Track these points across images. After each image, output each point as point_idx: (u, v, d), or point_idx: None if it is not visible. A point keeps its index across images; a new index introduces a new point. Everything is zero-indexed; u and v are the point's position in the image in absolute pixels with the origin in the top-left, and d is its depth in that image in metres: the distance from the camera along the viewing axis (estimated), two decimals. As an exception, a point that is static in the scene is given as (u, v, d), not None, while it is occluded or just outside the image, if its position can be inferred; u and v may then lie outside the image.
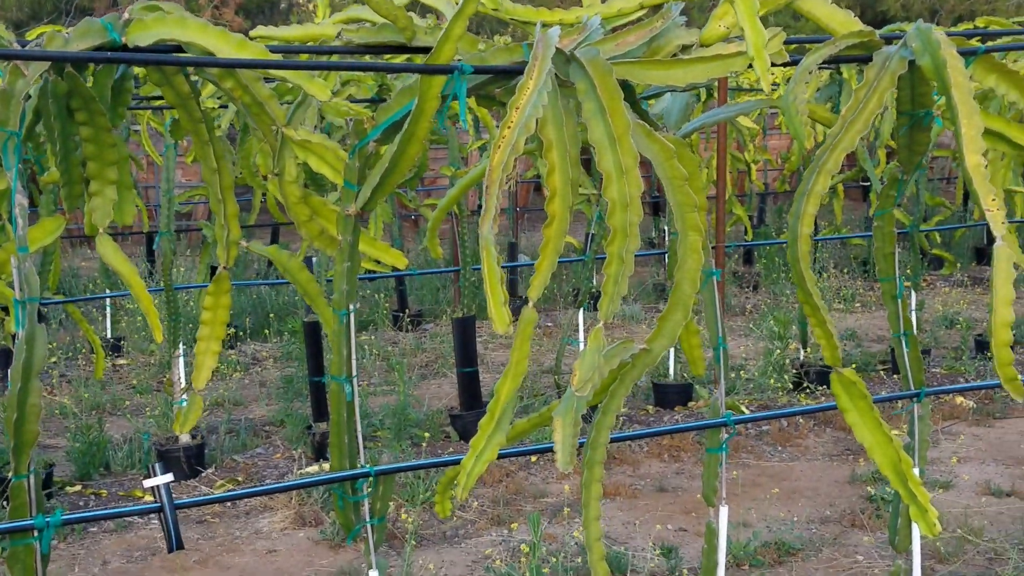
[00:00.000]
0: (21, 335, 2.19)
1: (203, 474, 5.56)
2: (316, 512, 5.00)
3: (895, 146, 2.61)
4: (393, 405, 6.22)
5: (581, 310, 6.45)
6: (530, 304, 2.11)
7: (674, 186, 2.20)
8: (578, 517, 4.73)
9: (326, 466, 5.42)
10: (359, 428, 2.67)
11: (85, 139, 2.44)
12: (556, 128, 2.13)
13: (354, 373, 2.66)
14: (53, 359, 7.88)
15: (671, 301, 2.34)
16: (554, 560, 4.18)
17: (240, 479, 5.55)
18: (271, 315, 8.88)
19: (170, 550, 2.40)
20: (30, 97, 2.36)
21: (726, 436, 2.84)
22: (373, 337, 8.45)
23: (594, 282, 8.08)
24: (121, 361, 8.01)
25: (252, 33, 2.77)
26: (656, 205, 10.92)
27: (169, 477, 2.41)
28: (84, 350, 8.15)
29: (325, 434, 5.68)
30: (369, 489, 2.68)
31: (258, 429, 6.35)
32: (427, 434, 5.92)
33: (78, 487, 5.41)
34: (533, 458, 5.65)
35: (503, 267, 9.16)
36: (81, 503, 5.21)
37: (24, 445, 2.21)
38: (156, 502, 2.40)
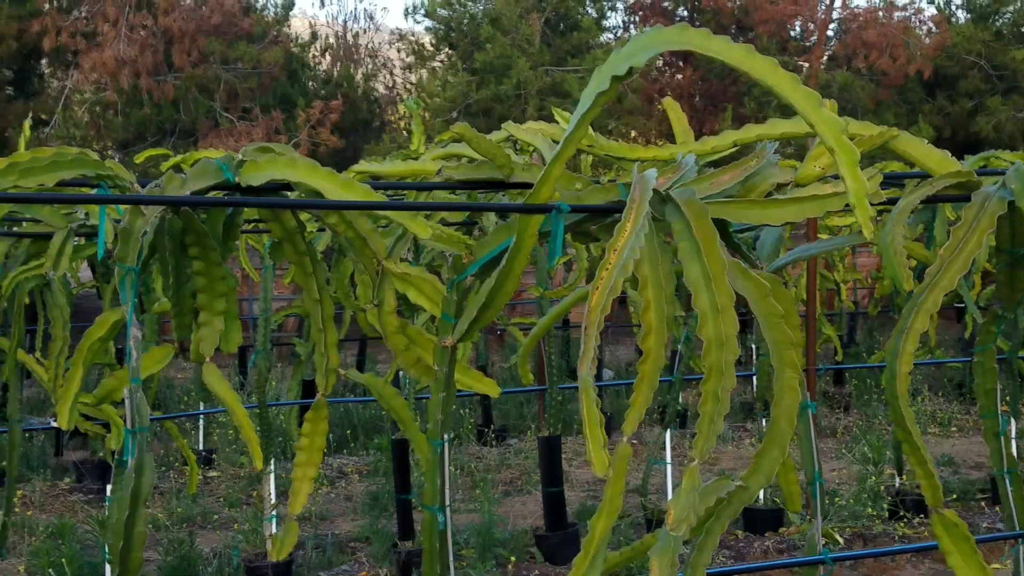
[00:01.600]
0: (131, 464, 2.26)
1: (292, 592, 5.57)
2: (401, 634, 4.97)
3: (991, 268, 2.59)
4: (478, 524, 6.19)
5: (668, 430, 6.39)
6: (624, 440, 2.12)
7: (770, 323, 2.21)
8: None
9: (411, 586, 5.40)
10: (451, 557, 2.68)
11: (196, 272, 2.54)
12: (652, 266, 2.17)
13: (447, 502, 2.67)
14: (153, 476, 8.03)
15: (768, 438, 2.33)
16: None
17: (324, 598, 5.55)
18: (358, 429, 8.96)
19: None
20: (146, 233, 2.48)
21: (823, 572, 2.78)
22: (457, 452, 8.45)
23: (681, 401, 8.01)
24: (212, 473, 8.12)
25: (355, 168, 2.89)
26: (744, 323, 10.85)
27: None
28: (177, 462, 8.29)
29: (411, 552, 5.68)
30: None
31: (344, 545, 6.36)
32: (513, 557, 5.87)
33: (168, 602, 5.46)
34: (621, 585, 5.55)
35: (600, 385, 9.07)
36: (170, 619, 5.25)
37: (129, 572, 2.26)
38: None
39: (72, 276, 6.92)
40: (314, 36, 23.01)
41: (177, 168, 4.10)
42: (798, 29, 20.37)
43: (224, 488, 7.67)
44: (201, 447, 8.41)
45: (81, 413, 4.65)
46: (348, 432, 8.96)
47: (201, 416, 8.54)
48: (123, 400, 4.50)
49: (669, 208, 2.18)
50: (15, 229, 4.34)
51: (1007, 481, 2.74)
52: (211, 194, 2.42)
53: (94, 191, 2.33)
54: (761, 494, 6.52)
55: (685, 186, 2.23)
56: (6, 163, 1.96)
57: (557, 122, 3.00)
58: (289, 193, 2.53)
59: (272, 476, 5.79)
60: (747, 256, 2.45)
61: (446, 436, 2.65)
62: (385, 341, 2.78)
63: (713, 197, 2.28)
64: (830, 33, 20.51)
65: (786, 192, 2.30)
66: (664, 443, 6.45)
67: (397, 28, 24.39)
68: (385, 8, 75.57)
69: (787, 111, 2.01)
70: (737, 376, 7.23)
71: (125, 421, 2.31)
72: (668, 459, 6.28)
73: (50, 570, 4.88)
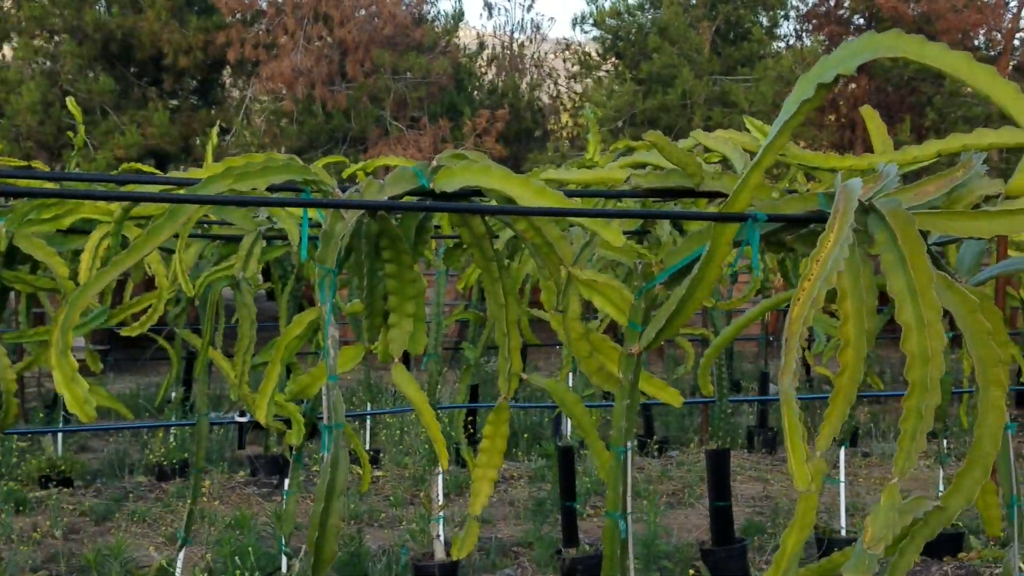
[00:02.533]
0: (327, 458, 2.33)
1: (457, 592, 5.65)
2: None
3: None
4: (642, 534, 6.15)
5: (842, 447, 6.22)
6: (819, 454, 2.07)
7: (977, 340, 2.12)
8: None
9: (577, 594, 5.41)
10: (632, 567, 2.67)
11: (389, 275, 2.61)
12: (852, 278, 2.12)
13: (629, 510, 2.67)
14: (315, 468, 8.28)
15: (970, 458, 2.24)
16: None
17: (491, 600, 5.60)
18: (520, 435, 9.03)
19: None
20: (344, 237, 2.56)
21: (1021, 603, 2.65)
22: (620, 462, 8.43)
23: (855, 419, 7.80)
24: (378, 473, 8.32)
25: (542, 176, 2.91)
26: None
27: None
28: (345, 460, 8.51)
29: (575, 560, 5.68)
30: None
31: (507, 549, 6.42)
32: (677, 568, 5.81)
33: (339, 596, 5.61)
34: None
35: (755, 400, 8.90)
36: (342, 612, 5.39)
37: (323, 563, 2.33)
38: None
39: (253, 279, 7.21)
40: (481, 46, 23.35)
41: (374, 175, 4.22)
42: (982, 38, 19.57)
43: (390, 488, 7.84)
44: (368, 447, 8.62)
45: (264, 409, 4.82)
46: (511, 438, 9.04)
47: (368, 416, 8.76)
48: (302, 398, 4.63)
49: (872, 218, 2.12)
50: (208, 231, 4.54)
51: None
52: (405, 199, 2.48)
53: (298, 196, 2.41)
54: (938, 518, 6.28)
55: (889, 196, 2.17)
56: (223, 167, 2.05)
57: (748, 131, 2.96)
58: (479, 199, 2.57)
59: (440, 478, 5.88)
60: (947, 270, 2.36)
61: (629, 444, 2.65)
62: (569, 348, 2.79)
63: (918, 208, 2.21)
64: (1016, 42, 19.63)
65: (996, 204, 2.21)
66: (838, 461, 6.28)
67: (563, 38, 24.55)
68: (552, 18, 76.09)
69: (973, 122, 1.94)
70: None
71: (322, 417, 2.38)
72: (842, 477, 6.11)
73: (235, 558, 5.07)
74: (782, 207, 2.26)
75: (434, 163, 2.45)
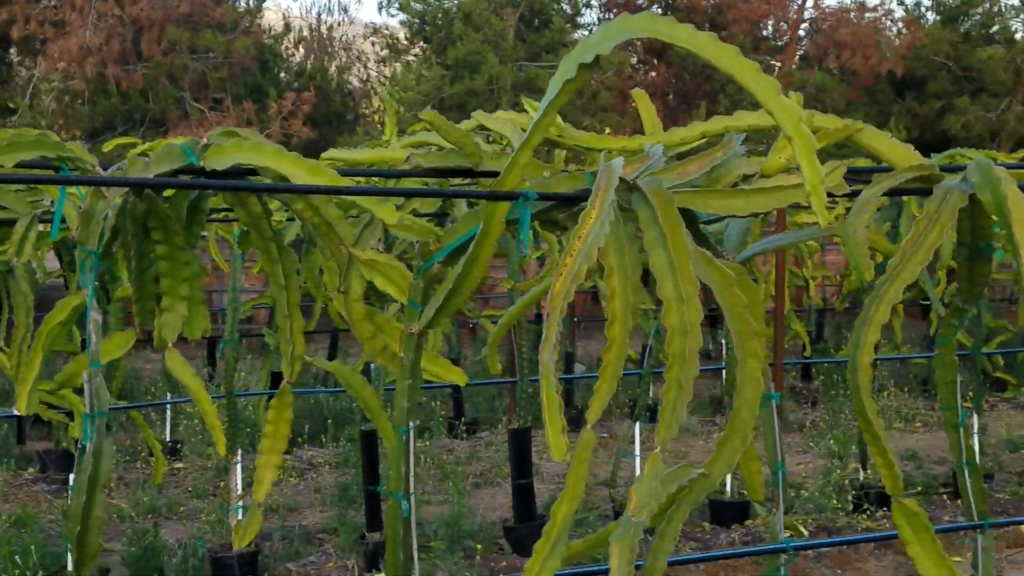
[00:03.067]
0: (89, 448, 2.25)
1: (264, 584, 5.55)
2: (368, 626, 4.96)
3: (955, 266, 2.62)
4: (447, 515, 6.19)
5: (637, 423, 6.41)
6: (588, 427, 2.13)
7: (734, 313, 2.22)
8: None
9: (378, 577, 5.40)
10: (415, 545, 2.68)
11: (160, 256, 2.53)
12: (617, 255, 2.17)
13: (411, 490, 2.67)
14: (112, 461, 7.97)
15: (729, 427, 2.34)
16: None
17: (291, 589, 5.53)
18: (328, 421, 8.94)
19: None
20: (108, 217, 2.46)
21: (784, 561, 2.80)
22: (429, 444, 8.45)
23: (651, 394, 8.06)
24: (179, 465, 8.08)
25: (324, 156, 2.88)
26: (713, 318, 10.90)
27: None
28: (143, 453, 8.24)
29: (379, 544, 5.66)
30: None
31: (312, 536, 6.34)
32: (480, 546, 5.87)
33: (131, 592, 5.42)
34: None
35: (560, 378, 9.11)
36: (134, 609, 5.22)
37: (86, 557, 2.24)
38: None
39: (38, 265, 6.86)
40: (287, 28, 22.89)
41: (143, 155, 4.06)
42: (771, 28, 20.47)
43: (191, 479, 7.63)
44: (168, 438, 8.36)
45: (44, 402, 4.60)
46: (318, 424, 8.93)
47: (168, 406, 8.49)
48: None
49: (636, 197, 2.18)
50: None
51: (966, 472, 2.77)
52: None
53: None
54: (728, 487, 6.56)
55: (652, 175, 2.24)
56: (-34, 143, 1.94)
57: (528, 112, 3.00)
58: (255, 178, 2.51)
59: (239, 467, 5.76)
60: (714, 248, 2.45)
61: (411, 424, 2.65)
62: (352, 329, 2.77)
63: (679, 187, 2.29)
64: (802, 33, 20.62)
65: (752, 183, 2.31)
66: (634, 437, 6.47)
67: (371, 22, 24.33)
68: (360, 1, 75.26)
69: (760, 107, 2.02)
70: (707, 370, 7.29)
71: (84, 403, 2.29)
72: (637, 452, 6.30)
73: (16, 557, 4.84)
74: (552, 186, 2.30)
75: (204, 141, 2.38)
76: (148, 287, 2.56)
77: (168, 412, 8.54)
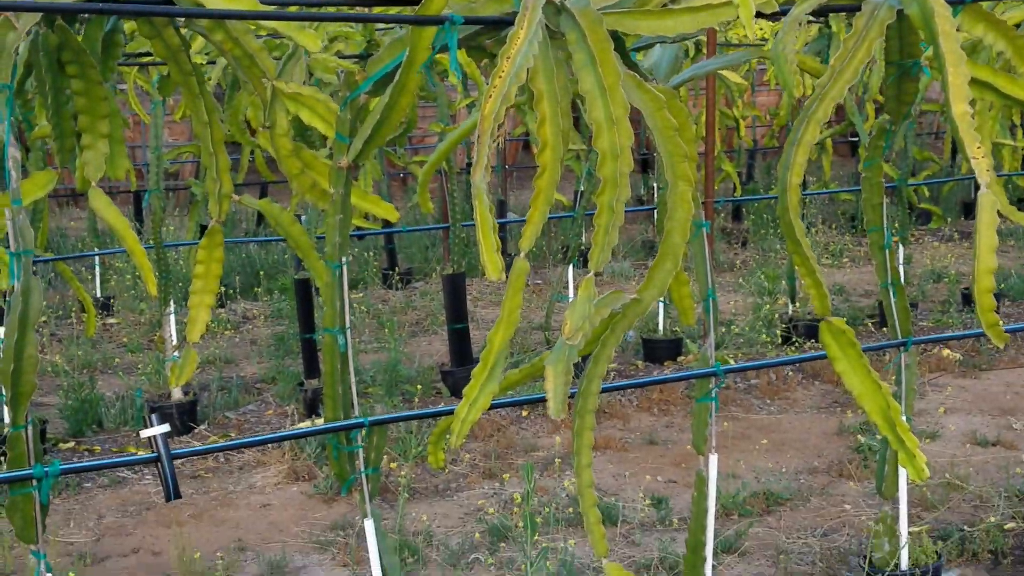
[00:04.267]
0: (17, 287, 2.21)
1: (196, 430, 5.59)
2: (309, 467, 5.05)
3: (883, 100, 2.63)
4: (384, 362, 6.25)
5: (570, 266, 6.47)
6: (521, 255, 2.13)
7: (664, 136, 2.21)
8: (569, 470, 4.79)
9: (319, 421, 5.46)
10: (353, 379, 2.70)
11: (76, 92, 2.44)
12: (547, 79, 2.14)
13: (347, 325, 2.68)
14: (43, 318, 7.88)
15: (661, 251, 2.36)
16: (546, 510, 4.23)
17: (233, 435, 5.58)
18: (261, 273, 8.89)
19: (167, 499, 2.43)
20: (19, 51, 2.36)
21: (715, 385, 2.88)
22: (363, 295, 8.47)
23: (583, 239, 8.12)
24: (111, 320, 8.02)
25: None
26: (645, 162, 10.93)
27: (165, 428, 2.44)
28: (75, 309, 8.14)
29: (317, 390, 5.72)
30: (363, 440, 2.72)
31: (250, 386, 6.38)
32: (419, 388, 5.96)
33: (71, 444, 5.44)
34: (524, 411, 5.70)
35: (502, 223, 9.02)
36: (75, 459, 5.24)
37: (22, 396, 2.23)
38: (153, 453, 2.43)
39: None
40: None
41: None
42: None
43: (124, 334, 7.59)
44: (99, 294, 8.26)
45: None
46: (251, 278, 8.88)
47: (97, 262, 8.36)
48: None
49: (564, 18, 2.14)
50: None
51: (891, 293, 2.84)
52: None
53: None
54: (661, 325, 6.69)
55: (580, -4, 2.19)
56: None
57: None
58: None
59: (172, 319, 5.74)
60: (643, 74, 2.43)
61: (344, 259, 2.64)
62: (279, 165, 2.72)
63: (608, 8, 2.25)
64: None
65: (680, 3, 2.27)
66: (567, 280, 6.54)
67: None
68: None
69: None
70: (637, 211, 7.35)
71: (7, 246, 2.24)
72: (571, 295, 6.37)
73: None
74: (478, 9, 2.24)
75: (114, -32, 2.28)
76: (66, 124, 2.49)
77: (97, 268, 8.42)
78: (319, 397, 5.65)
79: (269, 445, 5.21)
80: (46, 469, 2.25)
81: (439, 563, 4.04)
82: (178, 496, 2.43)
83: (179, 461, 5.27)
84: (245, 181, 8.32)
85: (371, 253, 9.49)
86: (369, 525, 2.73)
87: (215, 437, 5.55)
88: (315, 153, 2.79)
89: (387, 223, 6.48)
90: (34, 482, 2.26)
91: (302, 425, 5.58)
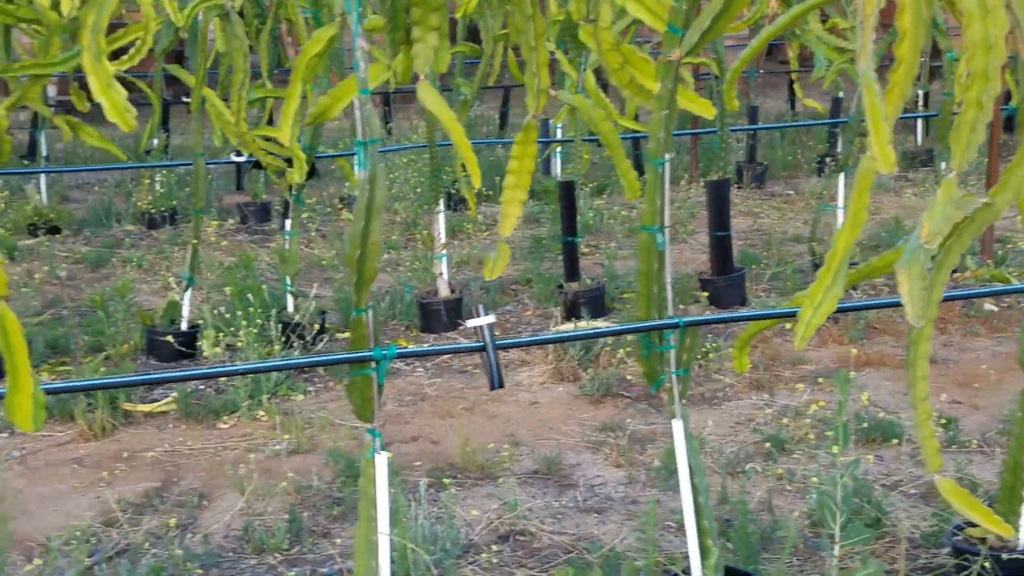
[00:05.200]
0: (364, 175, 2.27)
1: (462, 327, 5.73)
2: (574, 368, 5.09)
3: None
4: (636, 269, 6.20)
5: (842, 174, 6.21)
6: (870, 154, 2.02)
7: None
8: (834, 388, 4.63)
9: (581, 324, 5.50)
10: (669, 279, 2.67)
11: (411, -16, 2.46)
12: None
13: (666, 223, 2.64)
14: (307, 214, 8.21)
15: (1020, 152, 2.20)
16: (827, 426, 4.13)
17: (496, 334, 5.69)
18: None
19: (492, 387, 2.49)
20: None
21: None
22: (607, 200, 8.42)
23: (839, 148, 7.78)
24: (370, 219, 8.28)
25: None
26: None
27: (492, 319, 2.48)
28: (330, 210, 8.42)
29: (577, 294, 5.74)
30: (676, 342, 2.69)
31: (506, 287, 6.47)
32: (677, 298, 5.89)
33: (347, 334, 5.68)
34: (788, 324, 5.56)
35: (743, 129, 8.79)
36: (351, 349, 5.46)
37: (365, 281, 2.30)
38: (479, 342, 2.48)
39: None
40: None
41: None
42: None
43: (384, 231, 7.83)
44: (348, 192, 8.50)
45: (262, 148, 4.72)
46: (502, 179, 8.97)
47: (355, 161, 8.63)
48: (298, 136, 4.51)
49: None
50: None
51: None
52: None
53: None
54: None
55: None
56: None
57: None
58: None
59: (441, 216, 5.85)
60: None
61: (667, 155, 2.59)
62: (600, 58, 2.68)
63: None
64: None
65: None
66: (836, 189, 6.29)
67: None
68: None
69: None
70: (902, 120, 6.84)
71: (356, 133, 2.30)
72: (840, 204, 6.13)
73: (248, 295, 5.09)
74: None
75: None
76: (399, 16, 2.51)
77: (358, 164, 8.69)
78: (579, 300, 5.68)
79: (533, 347, 5.29)
80: (384, 352, 2.33)
81: (715, 470, 4.02)
82: (501, 385, 2.48)
83: (447, 356, 5.45)
84: (487, 85, 8.35)
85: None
86: (677, 425, 2.71)
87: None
88: (634, 47, 2.73)
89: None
90: (373, 364, 2.34)
91: (564, 328, 5.62)
